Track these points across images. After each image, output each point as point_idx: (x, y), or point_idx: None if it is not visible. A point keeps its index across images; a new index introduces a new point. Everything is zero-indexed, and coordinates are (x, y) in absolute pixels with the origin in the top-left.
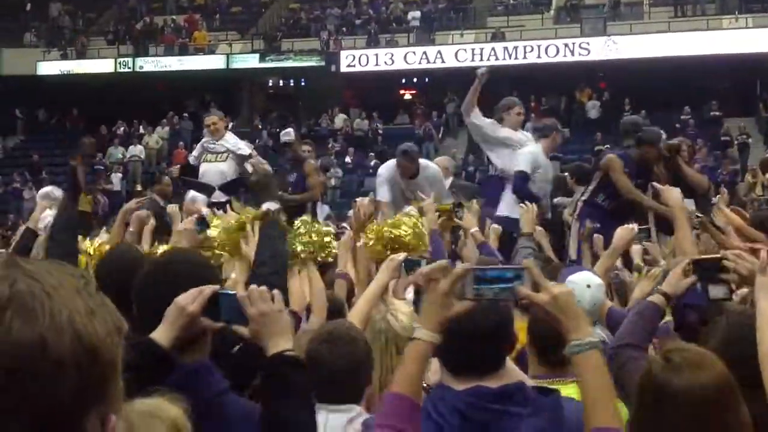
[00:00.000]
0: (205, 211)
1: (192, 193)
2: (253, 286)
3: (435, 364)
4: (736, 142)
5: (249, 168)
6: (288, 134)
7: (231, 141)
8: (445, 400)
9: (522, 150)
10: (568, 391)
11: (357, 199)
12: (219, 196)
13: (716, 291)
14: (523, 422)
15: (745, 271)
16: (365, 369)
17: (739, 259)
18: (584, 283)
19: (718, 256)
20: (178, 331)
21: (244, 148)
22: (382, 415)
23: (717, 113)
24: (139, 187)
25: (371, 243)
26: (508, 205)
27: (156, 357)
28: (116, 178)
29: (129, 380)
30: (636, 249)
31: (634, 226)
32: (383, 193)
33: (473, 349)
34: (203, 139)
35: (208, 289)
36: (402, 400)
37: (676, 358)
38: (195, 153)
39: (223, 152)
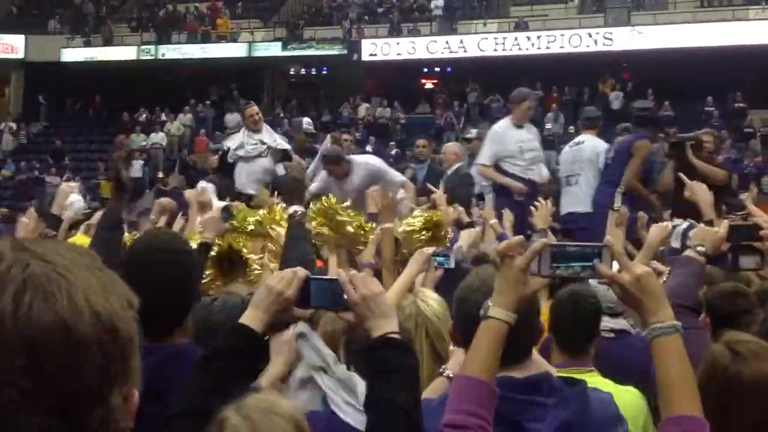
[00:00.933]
0: (218, 202)
1: (202, 183)
2: (353, 272)
3: (460, 354)
4: (758, 134)
5: (281, 168)
6: (310, 124)
7: (269, 135)
8: None
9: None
10: (588, 380)
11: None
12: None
13: (747, 261)
14: (549, 413)
15: None
16: None
17: None
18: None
19: (753, 223)
20: (272, 316)
21: (282, 143)
22: (454, 400)
23: (741, 105)
24: (161, 174)
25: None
26: None
27: (250, 342)
28: (138, 164)
29: (224, 365)
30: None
31: (669, 224)
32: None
33: (510, 337)
34: (242, 131)
35: (302, 272)
36: (475, 383)
37: (741, 349)
38: (233, 145)
39: (263, 147)
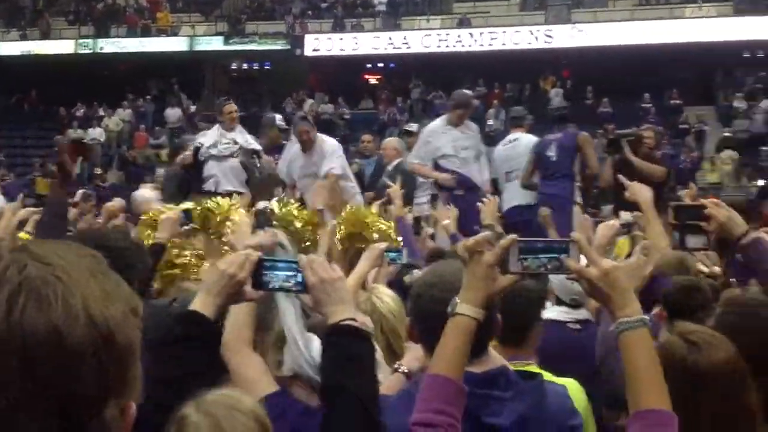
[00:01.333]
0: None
1: (142, 192)
2: (312, 255)
3: (416, 350)
4: (693, 130)
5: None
6: (282, 120)
7: (242, 134)
8: None
9: None
10: None
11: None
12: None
13: (694, 241)
14: (506, 406)
15: (723, 218)
16: None
17: (717, 207)
18: None
19: (699, 203)
20: (224, 300)
21: (253, 143)
22: (423, 398)
23: (677, 101)
24: (98, 170)
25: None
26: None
27: (203, 328)
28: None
29: (178, 354)
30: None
31: (615, 222)
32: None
33: None
34: (216, 129)
35: (254, 255)
36: (444, 382)
37: (695, 338)
38: (206, 142)
39: (236, 146)
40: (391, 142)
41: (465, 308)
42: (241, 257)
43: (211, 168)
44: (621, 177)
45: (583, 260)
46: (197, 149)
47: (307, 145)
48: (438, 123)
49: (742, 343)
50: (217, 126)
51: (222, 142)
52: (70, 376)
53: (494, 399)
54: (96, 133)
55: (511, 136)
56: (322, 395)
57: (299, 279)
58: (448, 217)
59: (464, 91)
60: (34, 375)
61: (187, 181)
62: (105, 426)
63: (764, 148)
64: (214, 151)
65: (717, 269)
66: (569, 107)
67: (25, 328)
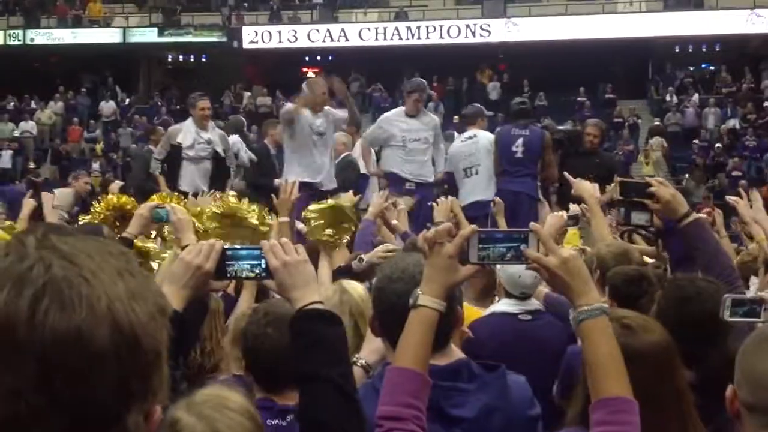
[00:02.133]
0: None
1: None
2: (274, 240)
3: (375, 342)
4: (627, 124)
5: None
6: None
7: (214, 132)
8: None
9: None
10: None
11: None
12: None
13: (638, 218)
14: (470, 398)
15: (668, 196)
16: None
17: (662, 185)
18: None
19: (645, 181)
20: (191, 291)
21: (227, 142)
22: (388, 391)
23: (611, 95)
24: (32, 164)
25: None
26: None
27: (173, 323)
28: (7, 155)
29: None
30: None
31: (563, 213)
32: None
33: None
34: (192, 128)
35: (219, 245)
36: (409, 374)
37: (630, 323)
38: (185, 143)
39: (210, 148)
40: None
41: (427, 300)
42: (206, 247)
43: (186, 168)
44: (567, 175)
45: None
46: (178, 148)
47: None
48: (395, 111)
49: (678, 328)
50: (190, 122)
51: (199, 142)
52: (91, 381)
53: (458, 391)
54: (28, 127)
55: (469, 133)
56: (297, 383)
57: (263, 265)
58: (394, 218)
59: (415, 79)
60: (53, 379)
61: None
62: None
63: (696, 141)
64: (192, 153)
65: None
66: (524, 102)
67: (46, 331)
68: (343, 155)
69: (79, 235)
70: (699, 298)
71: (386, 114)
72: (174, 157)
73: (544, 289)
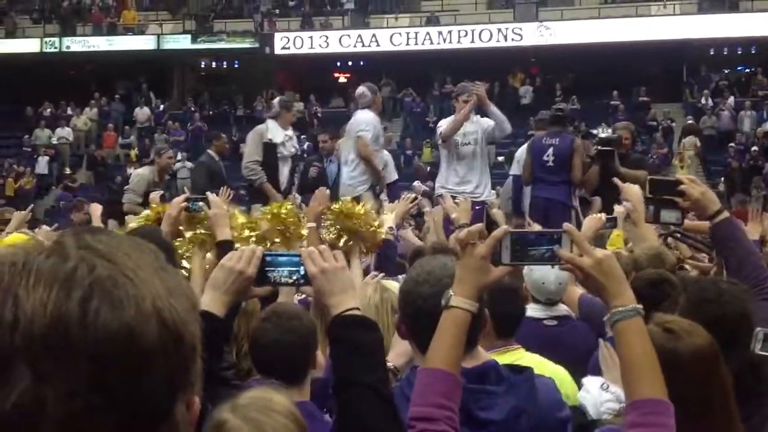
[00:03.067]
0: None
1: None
2: (312, 248)
3: (402, 346)
4: (660, 127)
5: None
6: None
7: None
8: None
9: None
10: (516, 356)
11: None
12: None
13: (668, 216)
14: (498, 401)
15: (698, 194)
16: (311, 346)
17: (693, 183)
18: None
19: (675, 178)
20: (233, 297)
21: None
22: (420, 393)
23: (645, 99)
24: (68, 170)
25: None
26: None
27: (214, 328)
28: (44, 161)
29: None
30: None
31: (602, 216)
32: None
33: None
34: (283, 128)
35: (260, 250)
36: (441, 375)
37: (674, 327)
38: (277, 139)
39: (294, 149)
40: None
41: (459, 301)
42: (248, 253)
43: (281, 168)
44: (617, 181)
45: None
46: (273, 146)
47: None
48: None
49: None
50: (274, 124)
51: (287, 139)
52: (143, 377)
53: (486, 393)
54: (64, 133)
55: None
56: (336, 390)
57: (302, 272)
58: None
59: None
60: (107, 378)
61: (219, 173)
62: (175, 424)
63: (732, 145)
64: (285, 152)
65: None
66: (561, 109)
67: (99, 331)
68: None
69: (107, 232)
70: (720, 299)
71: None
72: (270, 157)
73: (579, 290)
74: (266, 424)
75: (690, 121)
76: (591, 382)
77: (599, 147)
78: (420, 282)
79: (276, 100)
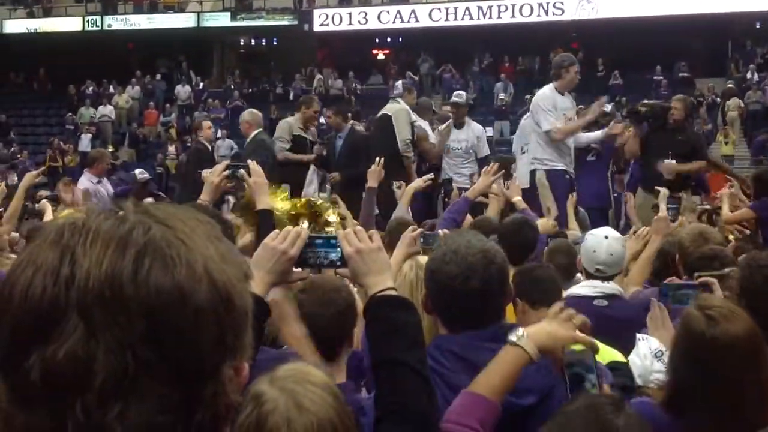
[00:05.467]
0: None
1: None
2: (349, 229)
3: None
4: (705, 102)
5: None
6: None
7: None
8: (439, 346)
9: None
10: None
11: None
12: None
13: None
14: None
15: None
16: (349, 321)
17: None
18: (602, 234)
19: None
20: (276, 277)
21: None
22: (457, 411)
23: (687, 74)
24: (110, 148)
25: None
26: None
27: (256, 308)
28: (86, 138)
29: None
30: None
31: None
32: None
33: (473, 305)
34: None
35: (305, 232)
36: (483, 402)
37: (714, 313)
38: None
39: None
40: (244, 116)
41: (528, 344)
42: (293, 234)
43: None
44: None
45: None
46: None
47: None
48: (549, 92)
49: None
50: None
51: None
52: (193, 336)
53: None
54: (107, 111)
55: None
56: (374, 369)
57: (339, 254)
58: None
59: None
60: (158, 333)
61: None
62: (222, 385)
63: None
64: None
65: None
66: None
67: (150, 288)
68: (253, 133)
69: (167, 203)
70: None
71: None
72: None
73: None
74: (303, 396)
75: (730, 86)
76: (645, 344)
77: (637, 112)
78: (446, 261)
79: (400, 83)
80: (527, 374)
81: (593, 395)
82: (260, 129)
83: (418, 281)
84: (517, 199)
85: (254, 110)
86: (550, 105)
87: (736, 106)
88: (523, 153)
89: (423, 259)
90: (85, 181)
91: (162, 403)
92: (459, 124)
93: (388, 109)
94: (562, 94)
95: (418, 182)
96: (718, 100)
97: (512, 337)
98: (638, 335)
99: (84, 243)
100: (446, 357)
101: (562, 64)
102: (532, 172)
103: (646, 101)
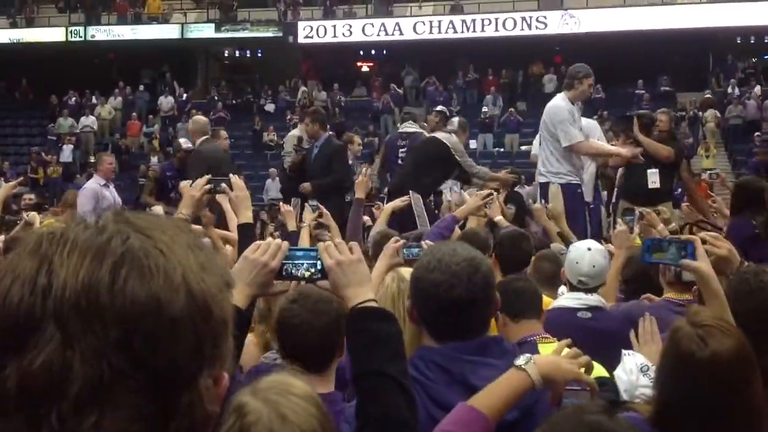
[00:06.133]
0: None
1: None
2: (329, 241)
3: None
4: (687, 117)
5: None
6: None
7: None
8: (423, 357)
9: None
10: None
11: None
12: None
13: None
14: (497, 372)
15: (725, 251)
16: (341, 331)
17: (718, 241)
18: (585, 247)
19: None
20: (257, 289)
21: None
22: (452, 422)
23: (670, 88)
24: (92, 159)
25: None
26: None
27: (236, 320)
28: (68, 149)
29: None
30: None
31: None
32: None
33: (457, 314)
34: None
35: (285, 244)
36: (480, 418)
37: (703, 332)
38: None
39: None
40: (188, 124)
41: (533, 371)
42: (273, 246)
43: None
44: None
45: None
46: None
47: None
48: (563, 102)
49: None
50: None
51: None
52: (169, 346)
53: (487, 366)
54: (89, 122)
55: None
56: (356, 380)
57: (319, 266)
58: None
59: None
60: (133, 345)
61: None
62: (199, 395)
63: (757, 134)
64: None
65: None
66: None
67: (126, 298)
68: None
69: (149, 213)
70: (762, 292)
71: (561, 105)
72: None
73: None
74: (286, 407)
75: (707, 96)
76: (630, 359)
77: (621, 115)
78: (430, 269)
79: (456, 119)
80: None
81: (581, 403)
82: (205, 137)
83: (399, 293)
84: (499, 218)
85: (198, 117)
86: (570, 115)
87: (713, 116)
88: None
89: (405, 270)
90: (93, 183)
91: (137, 412)
92: None
93: (444, 137)
94: (573, 104)
95: (396, 202)
96: (700, 114)
97: (519, 361)
98: (624, 351)
99: (62, 253)
100: (429, 368)
101: (576, 74)
102: (544, 185)
103: (636, 112)
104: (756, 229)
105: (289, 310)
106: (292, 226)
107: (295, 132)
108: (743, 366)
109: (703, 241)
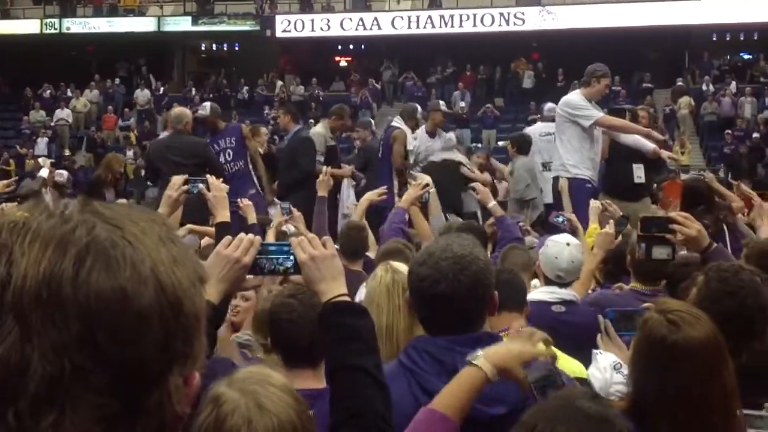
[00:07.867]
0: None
1: None
2: (303, 236)
3: None
4: (663, 113)
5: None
6: (204, 108)
7: None
8: (417, 346)
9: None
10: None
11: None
12: None
13: (659, 252)
14: None
15: (694, 231)
16: None
17: (688, 221)
18: (564, 242)
19: (667, 216)
20: (230, 285)
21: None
22: (416, 429)
23: (648, 84)
24: (67, 152)
25: None
26: None
27: (208, 315)
28: (43, 142)
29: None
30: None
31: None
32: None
33: (439, 309)
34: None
35: (258, 239)
36: (440, 419)
37: (675, 318)
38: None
39: None
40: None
41: (485, 364)
42: (246, 241)
43: None
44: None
45: None
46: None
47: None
48: (577, 96)
49: (722, 308)
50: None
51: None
52: (135, 341)
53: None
54: (64, 115)
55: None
56: (331, 374)
57: (292, 260)
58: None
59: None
60: (97, 340)
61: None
62: (168, 395)
63: (728, 131)
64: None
65: None
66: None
67: (90, 290)
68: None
69: (122, 203)
70: (740, 292)
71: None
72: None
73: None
74: (263, 396)
75: (680, 84)
76: (603, 357)
77: (613, 107)
78: (420, 263)
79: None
80: (499, 384)
81: (565, 391)
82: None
83: (394, 284)
84: (492, 204)
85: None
86: (584, 103)
87: (687, 104)
88: (548, 170)
89: (398, 264)
90: None
91: (100, 413)
92: (432, 133)
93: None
94: (589, 102)
95: (372, 195)
96: (675, 107)
97: (468, 357)
98: (594, 350)
99: (22, 242)
100: (423, 357)
101: (595, 72)
102: (555, 179)
103: (620, 106)
104: (708, 228)
105: (286, 305)
106: (252, 218)
107: (319, 130)
108: (714, 349)
109: (675, 221)
